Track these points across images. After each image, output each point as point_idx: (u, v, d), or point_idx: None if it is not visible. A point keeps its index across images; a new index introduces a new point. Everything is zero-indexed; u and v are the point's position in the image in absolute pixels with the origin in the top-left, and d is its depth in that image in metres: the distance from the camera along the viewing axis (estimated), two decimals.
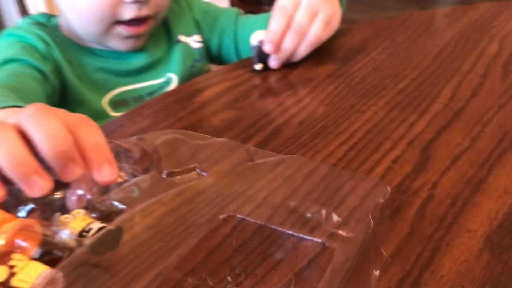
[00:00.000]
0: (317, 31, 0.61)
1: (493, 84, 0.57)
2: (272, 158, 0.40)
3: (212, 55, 0.89)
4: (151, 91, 0.78)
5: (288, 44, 0.61)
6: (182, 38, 0.83)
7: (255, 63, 0.62)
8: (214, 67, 0.88)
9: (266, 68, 0.62)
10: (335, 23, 0.65)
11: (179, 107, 0.55)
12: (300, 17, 0.60)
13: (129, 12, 0.69)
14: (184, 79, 0.80)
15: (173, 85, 0.80)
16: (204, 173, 0.38)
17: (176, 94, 0.58)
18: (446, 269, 0.33)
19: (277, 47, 0.60)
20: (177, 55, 0.81)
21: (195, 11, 0.87)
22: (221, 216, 0.35)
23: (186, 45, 0.82)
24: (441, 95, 0.55)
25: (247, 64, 0.64)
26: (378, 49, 0.68)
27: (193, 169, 0.38)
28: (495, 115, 0.50)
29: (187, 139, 0.42)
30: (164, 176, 0.37)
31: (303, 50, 0.62)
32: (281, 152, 0.45)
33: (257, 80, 0.61)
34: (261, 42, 0.60)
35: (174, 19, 0.83)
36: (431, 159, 0.44)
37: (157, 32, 0.81)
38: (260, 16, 0.89)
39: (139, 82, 0.78)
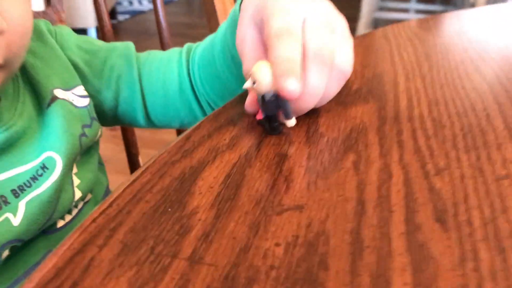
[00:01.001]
0: (347, 54, 0.36)
1: None
2: None
3: (104, 114, 0.58)
4: (19, 186, 0.45)
5: (316, 79, 0.35)
6: (58, 93, 0.51)
7: (271, 115, 0.34)
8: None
9: (275, 126, 0.35)
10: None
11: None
12: (319, 39, 0.35)
13: None
14: (72, 158, 0.48)
15: (57, 170, 0.47)
16: None
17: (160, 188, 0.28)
18: None
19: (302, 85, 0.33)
20: (55, 121, 0.48)
21: (71, 51, 0.55)
22: None
23: (66, 103, 0.50)
24: None
25: (223, 124, 0.36)
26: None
27: None
28: None
29: None
30: None
31: (335, 86, 0.37)
32: None
33: (283, 145, 0.33)
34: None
35: (41, 66, 0.51)
36: None
37: (15, 89, 0.48)
38: (170, 52, 0.61)
39: None
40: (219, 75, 0.53)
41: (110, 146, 1.61)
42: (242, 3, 0.44)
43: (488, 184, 0.28)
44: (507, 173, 0.29)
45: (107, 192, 0.58)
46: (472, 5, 2.36)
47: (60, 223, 0.48)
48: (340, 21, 0.38)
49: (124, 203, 0.26)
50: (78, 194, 0.49)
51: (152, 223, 0.25)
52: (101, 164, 0.59)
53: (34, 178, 0.46)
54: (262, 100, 0.34)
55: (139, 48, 0.59)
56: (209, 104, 0.57)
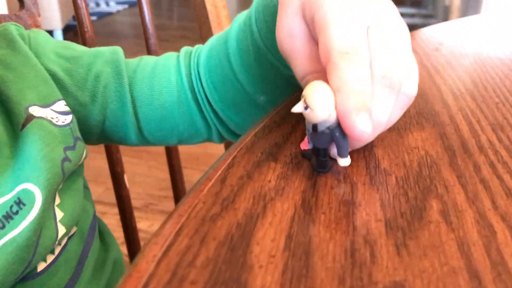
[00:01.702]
0: (414, 75, 0.30)
1: None
2: None
3: (89, 131, 0.50)
4: None
5: (381, 107, 0.28)
6: (35, 110, 0.42)
7: (321, 148, 0.27)
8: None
9: (324, 162, 0.28)
10: None
11: None
12: (386, 57, 0.28)
13: None
14: (54, 189, 0.41)
15: (37, 206, 0.39)
16: None
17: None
18: None
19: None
20: (31, 145, 0.40)
21: (48, 59, 0.47)
22: None
23: (45, 123, 0.42)
24: None
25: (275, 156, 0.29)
26: None
27: None
28: None
29: None
30: None
31: (398, 112, 0.30)
32: None
33: (344, 189, 0.26)
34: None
35: (13, 78, 0.43)
36: None
37: None
38: (165, 57, 0.53)
39: None
40: (234, 76, 0.46)
41: None
42: None
43: None
44: None
45: (94, 221, 0.50)
46: (446, 8, 2.35)
47: (41, 266, 0.40)
48: (404, 29, 0.31)
49: (162, 285, 0.19)
50: (62, 230, 0.41)
51: None
52: (86, 187, 0.51)
53: (7, 217, 0.37)
54: (313, 129, 0.27)
55: None
56: (215, 113, 0.50)
